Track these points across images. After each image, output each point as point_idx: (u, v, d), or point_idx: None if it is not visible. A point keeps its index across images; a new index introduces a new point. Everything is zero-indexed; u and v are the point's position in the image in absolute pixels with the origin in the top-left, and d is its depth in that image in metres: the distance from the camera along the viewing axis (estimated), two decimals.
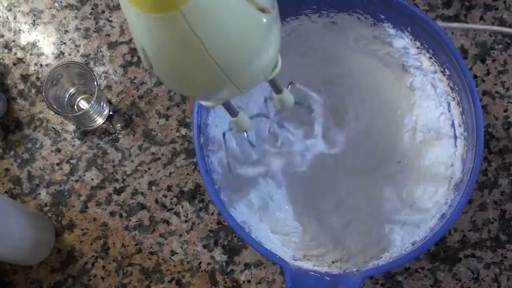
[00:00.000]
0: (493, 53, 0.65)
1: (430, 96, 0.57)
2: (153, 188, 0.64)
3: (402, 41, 0.56)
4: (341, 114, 0.61)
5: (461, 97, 0.53)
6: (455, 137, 0.55)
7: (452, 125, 0.55)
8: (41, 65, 0.67)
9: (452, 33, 0.66)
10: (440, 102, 0.56)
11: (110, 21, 0.67)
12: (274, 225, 0.57)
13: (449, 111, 0.55)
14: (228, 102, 0.44)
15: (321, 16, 0.57)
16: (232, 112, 0.46)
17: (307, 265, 0.52)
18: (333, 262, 0.55)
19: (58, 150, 0.65)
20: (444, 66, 0.54)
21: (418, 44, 0.55)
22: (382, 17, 0.55)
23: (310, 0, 0.56)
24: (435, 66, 0.55)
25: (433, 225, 0.52)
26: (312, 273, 0.49)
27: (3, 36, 0.67)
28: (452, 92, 0.55)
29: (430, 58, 0.55)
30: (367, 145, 0.60)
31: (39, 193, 0.64)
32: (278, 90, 0.45)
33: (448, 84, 0.55)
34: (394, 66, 0.59)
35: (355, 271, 0.49)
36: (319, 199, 0.60)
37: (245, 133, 0.48)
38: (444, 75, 0.55)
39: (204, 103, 0.41)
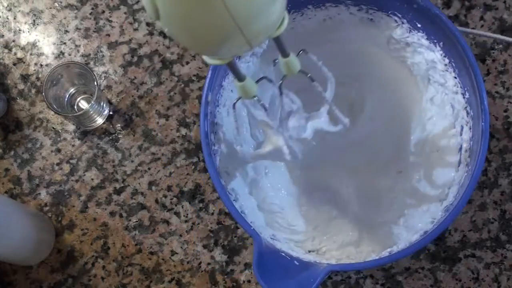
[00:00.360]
0: (493, 53, 0.65)
1: (447, 116, 0.57)
2: (153, 188, 0.64)
3: (433, 55, 0.55)
4: (356, 110, 0.61)
5: (474, 124, 0.53)
6: (459, 162, 0.54)
7: (460, 149, 0.55)
8: (41, 65, 0.67)
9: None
10: (454, 124, 0.56)
11: (110, 21, 0.67)
12: (261, 201, 0.57)
13: (461, 135, 0.55)
14: (235, 64, 0.43)
15: (360, 10, 0.57)
16: (239, 75, 0.44)
17: (281, 245, 0.52)
18: (309, 252, 0.56)
19: (58, 150, 0.65)
20: (465, 89, 0.54)
21: (447, 61, 0.54)
22: (419, 25, 0.55)
23: None
24: (457, 87, 0.55)
25: (414, 240, 0.52)
26: (282, 254, 0.49)
27: (3, 36, 0.67)
28: (467, 117, 0.54)
29: (455, 78, 0.55)
30: (373, 146, 0.60)
31: (39, 193, 0.64)
32: (284, 53, 0.44)
33: (465, 108, 0.54)
34: (420, 77, 0.58)
35: (325, 264, 0.49)
36: (313, 187, 0.60)
37: (255, 98, 0.47)
38: (464, 97, 0.54)
39: (210, 60, 0.40)
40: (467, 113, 0.54)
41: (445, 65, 0.55)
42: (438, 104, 0.58)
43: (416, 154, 0.59)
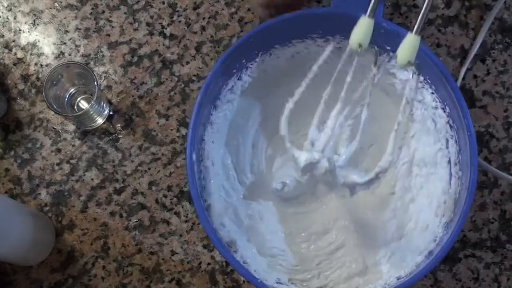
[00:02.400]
0: (493, 53, 0.65)
1: (430, 131, 0.56)
2: (153, 188, 0.64)
3: (406, 74, 0.55)
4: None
5: (459, 136, 0.53)
6: (450, 175, 0.54)
7: (449, 162, 0.55)
8: (41, 65, 0.67)
9: (452, 33, 0.66)
10: (438, 138, 0.56)
11: (110, 21, 0.67)
12: (261, 246, 0.57)
13: (447, 147, 0.55)
14: None
15: (327, 41, 0.57)
16: None
17: None
18: None
19: (58, 150, 0.65)
20: (445, 103, 0.54)
21: (421, 78, 0.54)
22: (388, 48, 0.54)
23: (316, 26, 0.55)
24: (436, 102, 0.55)
25: (420, 261, 0.51)
26: None
27: (3, 36, 0.67)
28: (451, 130, 0.54)
29: (432, 93, 0.55)
30: (362, 170, 0.60)
31: (39, 193, 0.64)
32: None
33: (448, 121, 0.54)
34: (396, 97, 0.58)
35: None
36: (309, 221, 0.60)
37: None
38: (444, 112, 0.54)
39: None
40: (450, 126, 0.54)
41: (420, 82, 0.55)
42: (419, 120, 0.57)
43: (407, 173, 0.58)
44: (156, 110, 0.65)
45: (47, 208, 0.64)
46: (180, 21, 0.67)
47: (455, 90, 0.51)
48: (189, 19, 0.67)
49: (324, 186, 0.60)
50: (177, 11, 0.67)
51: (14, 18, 0.68)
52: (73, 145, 0.65)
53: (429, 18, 0.66)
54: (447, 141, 0.55)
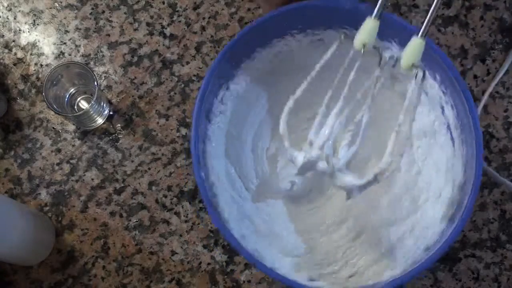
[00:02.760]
0: (493, 53, 0.65)
1: (423, 102, 0.56)
2: (153, 188, 0.64)
3: (390, 51, 0.55)
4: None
5: (455, 100, 0.52)
6: (453, 140, 0.54)
7: (448, 128, 0.54)
8: (41, 65, 0.67)
9: (452, 33, 0.66)
10: (433, 107, 0.55)
11: (110, 21, 0.67)
12: (283, 249, 0.57)
13: (443, 114, 0.54)
14: None
15: (307, 36, 0.56)
16: None
17: (325, 284, 0.52)
18: (349, 277, 0.55)
19: (58, 150, 0.65)
20: (434, 73, 0.53)
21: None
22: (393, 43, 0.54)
23: (296, 21, 0.55)
24: (440, 92, 0.54)
25: (442, 229, 0.51)
26: None
27: (3, 36, 0.67)
28: (445, 96, 0.54)
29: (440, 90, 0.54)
30: (362, 168, 0.60)
31: (39, 193, 0.64)
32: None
33: (440, 87, 0.54)
34: (398, 94, 0.58)
35: (371, 285, 0.49)
36: (322, 215, 0.60)
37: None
38: (435, 80, 0.54)
39: None
40: (443, 92, 0.53)
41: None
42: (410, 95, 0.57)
43: (409, 148, 0.58)
44: (156, 110, 0.65)
45: (47, 208, 0.64)
46: (180, 21, 0.67)
47: (442, 57, 0.50)
48: (189, 19, 0.67)
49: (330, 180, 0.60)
50: (177, 11, 0.67)
51: (14, 18, 0.68)
52: (73, 145, 0.65)
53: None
54: (442, 108, 0.54)
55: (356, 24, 0.48)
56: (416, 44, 0.46)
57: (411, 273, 0.48)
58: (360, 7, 0.50)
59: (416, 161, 0.58)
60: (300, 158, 0.52)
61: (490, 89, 0.64)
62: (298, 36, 0.57)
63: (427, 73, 0.53)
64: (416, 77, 0.47)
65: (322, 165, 0.52)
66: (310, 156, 0.52)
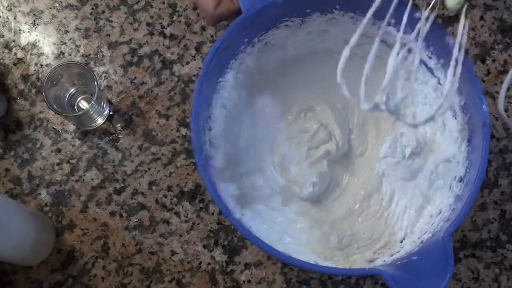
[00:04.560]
0: (493, 53, 0.65)
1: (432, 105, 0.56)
2: (153, 188, 0.64)
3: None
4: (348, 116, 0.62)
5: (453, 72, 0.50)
6: (455, 113, 0.53)
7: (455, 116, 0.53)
8: (41, 65, 0.67)
9: (452, 33, 0.66)
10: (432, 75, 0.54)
11: (110, 21, 0.67)
12: (339, 239, 0.57)
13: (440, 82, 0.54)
14: None
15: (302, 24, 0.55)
16: None
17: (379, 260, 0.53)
18: (401, 242, 0.55)
19: (58, 150, 0.65)
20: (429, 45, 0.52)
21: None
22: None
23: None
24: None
25: (462, 186, 0.51)
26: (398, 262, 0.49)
27: (3, 36, 0.67)
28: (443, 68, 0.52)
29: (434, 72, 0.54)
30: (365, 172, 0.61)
31: (39, 193, 0.64)
32: None
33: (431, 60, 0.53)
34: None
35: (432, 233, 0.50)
36: (349, 198, 0.60)
37: None
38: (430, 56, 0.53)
39: None
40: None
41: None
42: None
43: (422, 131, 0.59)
44: (156, 110, 0.65)
45: (47, 208, 0.64)
46: (180, 21, 0.67)
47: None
48: (189, 19, 0.67)
49: (341, 169, 0.61)
50: (177, 11, 0.67)
51: (14, 18, 0.68)
52: (73, 145, 0.65)
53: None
54: (438, 80, 0.54)
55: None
56: None
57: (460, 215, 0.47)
58: None
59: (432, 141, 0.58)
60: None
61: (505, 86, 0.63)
62: (295, 23, 0.55)
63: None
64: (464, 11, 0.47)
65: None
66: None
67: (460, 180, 0.51)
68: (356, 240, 0.57)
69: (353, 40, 0.48)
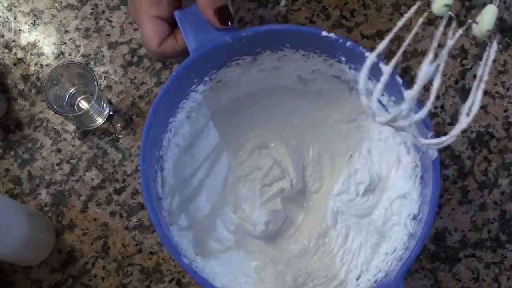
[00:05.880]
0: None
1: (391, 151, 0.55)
2: None
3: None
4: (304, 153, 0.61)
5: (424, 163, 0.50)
6: (408, 149, 0.53)
7: (408, 152, 0.52)
8: (41, 65, 0.67)
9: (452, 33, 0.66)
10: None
11: (110, 21, 0.67)
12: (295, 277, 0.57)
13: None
14: None
15: (254, 61, 0.53)
16: None
17: None
18: (357, 279, 0.54)
19: (58, 150, 0.65)
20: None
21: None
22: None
23: (286, 38, 0.51)
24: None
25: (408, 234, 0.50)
26: None
27: (3, 36, 0.67)
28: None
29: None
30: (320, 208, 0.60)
31: (39, 193, 0.64)
32: None
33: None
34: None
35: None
36: (303, 236, 0.59)
37: None
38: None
39: None
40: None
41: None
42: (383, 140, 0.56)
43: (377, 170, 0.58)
44: None
45: (47, 208, 0.64)
46: None
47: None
48: None
49: (295, 207, 0.60)
50: None
51: (14, 18, 0.68)
52: (73, 145, 0.65)
53: (429, 18, 0.66)
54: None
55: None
56: (492, 10, 0.45)
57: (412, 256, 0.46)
58: (240, 34, 0.48)
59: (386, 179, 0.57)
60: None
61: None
62: (246, 61, 0.53)
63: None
64: (491, 41, 0.46)
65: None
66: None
67: (414, 217, 0.50)
68: (312, 279, 0.56)
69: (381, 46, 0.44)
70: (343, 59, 0.50)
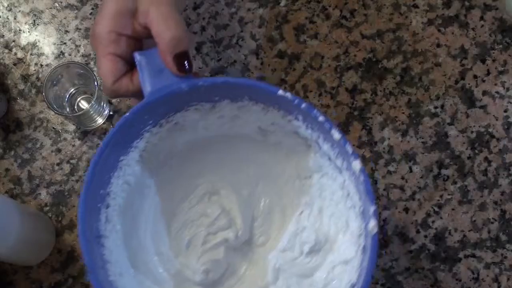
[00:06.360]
0: (493, 53, 0.65)
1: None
2: None
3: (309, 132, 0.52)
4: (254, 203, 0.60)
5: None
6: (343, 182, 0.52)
7: (348, 195, 0.52)
8: (41, 65, 0.67)
9: (452, 33, 0.66)
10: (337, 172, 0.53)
11: None
12: None
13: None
14: None
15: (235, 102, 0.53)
16: None
17: None
18: None
19: (58, 150, 0.65)
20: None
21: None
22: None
23: (244, 91, 0.50)
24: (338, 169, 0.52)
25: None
26: None
27: (3, 36, 0.67)
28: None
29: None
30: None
31: (39, 193, 0.64)
32: None
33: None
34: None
35: None
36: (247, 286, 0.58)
37: None
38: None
39: None
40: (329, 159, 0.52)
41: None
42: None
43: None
44: None
45: (47, 208, 0.64)
46: None
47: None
48: (189, 19, 0.67)
49: (239, 257, 0.59)
50: None
51: (14, 18, 0.68)
52: (73, 145, 0.65)
53: (429, 18, 0.66)
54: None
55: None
56: None
57: None
58: (197, 83, 0.48)
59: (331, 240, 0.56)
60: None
61: None
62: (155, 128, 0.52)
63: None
64: None
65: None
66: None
67: (352, 286, 0.49)
68: None
69: None
70: (300, 117, 0.50)
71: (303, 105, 0.47)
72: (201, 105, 0.51)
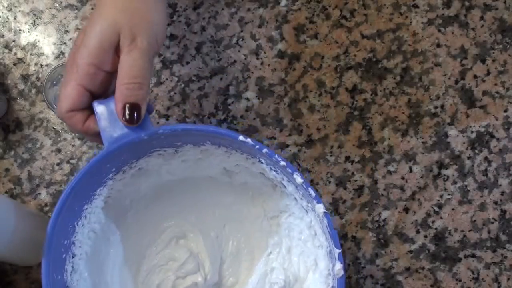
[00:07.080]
0: (493, 53, 0.65)
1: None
2: None
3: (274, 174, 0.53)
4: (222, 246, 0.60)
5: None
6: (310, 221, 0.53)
7: (316, 235, 0.53)
8: (41, 65, 0.67)
9: (452, 33, 0.66)
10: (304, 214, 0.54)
11: None
12: None
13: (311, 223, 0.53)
14: None
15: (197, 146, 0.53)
16: None
17: None
18: None
19: (59, 150, 0.65)
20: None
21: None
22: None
23: (205, 137, 0.51)
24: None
25: None
26: None
27: (3, 36, 0.67)
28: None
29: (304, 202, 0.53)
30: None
31: (40, 193, 0.64)
32: None
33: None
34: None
35: None
36: None
37: None
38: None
39: None
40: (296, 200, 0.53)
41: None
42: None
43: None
44: (156, 110, 0.65)
45: (47, 208, 0.64)
46: (180, 21, 0.67)
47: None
48: (189, 19, 0.67)
49: None
50: (177, 11, 0.67)
51: (14, 18, 0.68)
52: (73, 145, 0.65)
53: (429, 18, 0.66)
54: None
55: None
56: None
57: None
58: (156, 131, 0.48)
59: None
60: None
61: None
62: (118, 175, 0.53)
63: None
64: None
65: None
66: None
67: None
68: None
69: None
70: (264, 160, 0.50)
71: (264, 150, 0.48)
72: (164, 150, 0.51)
